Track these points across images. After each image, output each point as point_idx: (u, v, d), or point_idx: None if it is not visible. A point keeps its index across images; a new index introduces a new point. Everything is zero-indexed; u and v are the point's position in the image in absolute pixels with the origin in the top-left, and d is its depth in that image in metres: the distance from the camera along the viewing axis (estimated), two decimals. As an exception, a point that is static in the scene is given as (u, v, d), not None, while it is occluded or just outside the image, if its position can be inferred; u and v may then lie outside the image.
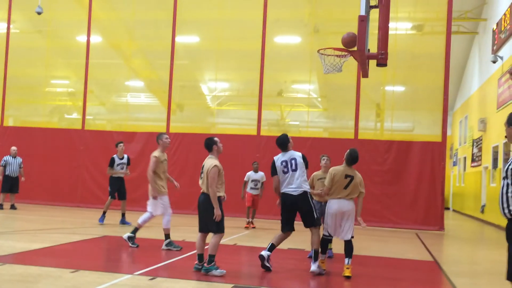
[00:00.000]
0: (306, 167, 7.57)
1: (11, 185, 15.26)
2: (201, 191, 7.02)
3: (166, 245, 9.03)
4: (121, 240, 10.15)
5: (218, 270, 6.80)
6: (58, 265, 7.06)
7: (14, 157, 15.38)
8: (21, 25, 19.93)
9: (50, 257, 7.86)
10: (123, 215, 12.58)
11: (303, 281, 7.20)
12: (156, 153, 9.13)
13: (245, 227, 13.06)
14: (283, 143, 7.64)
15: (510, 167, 3.97)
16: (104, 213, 12.45)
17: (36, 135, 17.62)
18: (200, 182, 7.04)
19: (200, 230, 7.06)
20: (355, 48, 7.73)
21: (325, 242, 7.53)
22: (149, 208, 9.25)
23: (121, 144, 12.57)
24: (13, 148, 15.47)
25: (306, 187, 7.49)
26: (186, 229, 12.25)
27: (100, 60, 18.41)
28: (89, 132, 17.36)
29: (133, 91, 19.23)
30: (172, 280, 6.46)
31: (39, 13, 15.95)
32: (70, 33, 19.15)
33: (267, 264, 7.37)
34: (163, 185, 9.21)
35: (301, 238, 9.56)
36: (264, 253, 7.39)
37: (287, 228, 7.49)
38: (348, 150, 7.50)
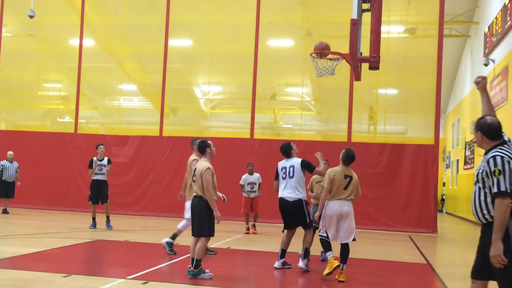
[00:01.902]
0: (312, 170, 7.79)
1: (6, 189, 15.19)
2: (194, 194, 7.00)
3: (166, 243, 8.88)
4: (114, 244, 10.11)
5: (206, 274, 6.81)
6: (50, 269, 7.03)
7: (11, 161, 15.31)
8: (13, 29, 19.85)
9: (42, 262, 7.82)
10: (107, 217, 12.36)
11: (297, 284, 7.20)
12: (194, 156, 9.02)
13: (246, 232, 12.80)
14: (285, 151, 8.00)
15: (479, 171, 4.11)
16: (93, 219, 12.31)
17: (29, 139, 17.53)
18: (194, 185, 7.01)
19: (194, 234, 7.04)
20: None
21: (326, 242, 7.38)
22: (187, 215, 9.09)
23: (101, 146, 12.36)
24: (10, 152, 15.37)
25: (301, 194, 7.72)
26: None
27: (92, 64, 18.36)
28: (82, 136, 17.29)
29: (126, 95, 19.18)
30: (165, 284, 6.44)
31: (31, 17, 15.88)
32: (62, 37, 19.09)
33: (286, 266, 7.92)
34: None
35: (294, 241, 9.55)
36: (276, 263, 7.86)
37: (287, 227, 7.88)
38: (344, 150, 7.47)
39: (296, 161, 7.85)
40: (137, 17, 18.21)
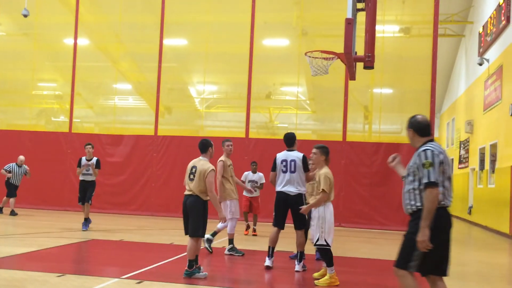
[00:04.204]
0: (307, 169, 7.68)
1: (15, 189, 15.13)
2: (188, 193, 6.93)
3: (229, 250, 9.06)
4: (108, 243, 10.09)
5: (201, 273, 6.82)
6: (44, 269, 7.00)
7: (20, 166, 15.23)
8: (7, 28, 19.78)
9: (36, 262, 7.78)
10: (85, 219, 11.94)
11: (292, 283, 7.19)
12: (222, 158, 9.18)
13: (245, 233, 12.55)
14: (290, 138, 7.94)
15: (410, 165, 4.48)
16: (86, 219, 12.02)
17: (23, 138, 17.46)
18: (190, 184, 6.92)
19: (187, 234, 7.02)
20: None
21: (329, 254, 6.80)
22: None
23: (88, 146, 12.04)
24: (21, 157, 15.21)
25: (302, 189, 7.68)
26: (174, 232, 12.20)
27: (87, 63, 18.30)
28: (76, 135, 17.23)
29: (121, 94, 19.13)
30: (160, 284, 6.42)
31: (25, 16, 15.81)
32: (57, 36, 19.03)
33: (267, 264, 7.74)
34: (232, 190, 9.13)
35: (287, 241, 9.57)
36: (267, 261, 7.72)
37: (279, 225, 7.74)
38: (320, 149, 7.00)
39: (297, 155, 7.73)
40: (132, 16, 18.17)
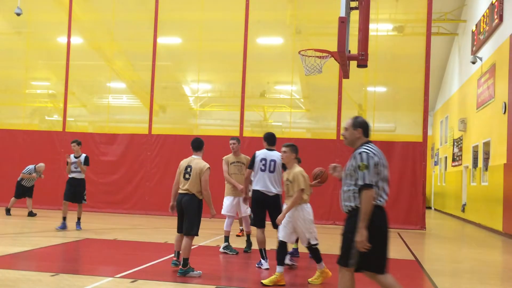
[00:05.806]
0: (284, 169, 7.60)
1: (23, 191, 14.97)
2: (184, 192, 6.96)
3: (224, 248, 9.05)
4: (102, 242, 10.07)
5: (195, 272, 6.83)
6: (37, 268, 6.99)
7: (39, 171, 15.11)
8: (0, 26, 19.67)
9: (29, 261, 7.77)
10: (78, 218, 11.83)
11: (286, 282, 7.19)
12: (225, 156, 9.38)
13: (237, 235, 12.08)
14: (270, 137, 7.87)
15: (347, 166, 4.61)
16: (64, 218, 11.59)
17: (16, 137, 17.39)
18: (186, 183, 6.94)
19: (181, 232, 7.05)
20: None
21: (318, 251, 6.91)
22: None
23: (73, 144, 11.90)
24: (42, 166, 15.09)
25: (279, 190, 7.67)
26: (168, 231, 12.19)
27: (81, 62, 18.22)
28: (70, 134, 17.14)
29: (115, 93, 19.08)
30: (153, 283, 6.42)
31: (18, 14, 15.73)
32: (50, 34, 18.95)
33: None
34: (231, 187, 9.21)
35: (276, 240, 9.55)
36: (265, 264, 7.62)
37: (261, 224, 7.64)
38: (290, 147, 6.88)
39: (277, 156, 7.65)
40: (126, 14, 18.12)
